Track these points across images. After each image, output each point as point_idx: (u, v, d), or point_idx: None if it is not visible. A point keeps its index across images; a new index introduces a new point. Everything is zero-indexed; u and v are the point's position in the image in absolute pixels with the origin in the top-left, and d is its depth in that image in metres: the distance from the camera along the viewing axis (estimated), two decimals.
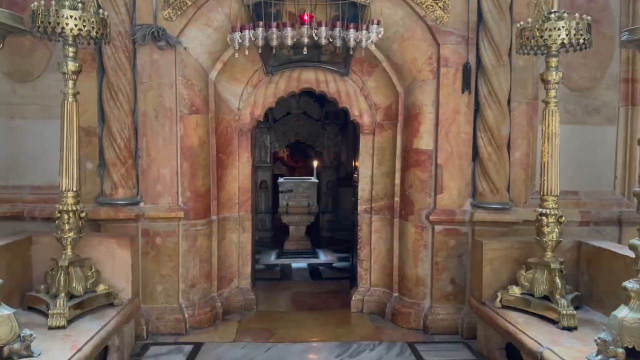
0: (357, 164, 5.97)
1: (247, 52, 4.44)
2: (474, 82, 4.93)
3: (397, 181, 5.40)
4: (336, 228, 10.23)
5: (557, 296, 3.78)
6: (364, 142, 5.67)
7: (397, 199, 5.42)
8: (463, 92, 4.97)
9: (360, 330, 5.20)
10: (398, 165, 5.39)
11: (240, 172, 5.61)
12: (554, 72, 3.84)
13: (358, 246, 5.77)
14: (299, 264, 8.06)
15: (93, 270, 4.00)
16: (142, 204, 4.94)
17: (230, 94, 5.46)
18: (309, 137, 10.42)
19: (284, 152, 13.30)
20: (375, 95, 5.54)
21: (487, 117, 4.83)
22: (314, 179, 8.92)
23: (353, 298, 5.74)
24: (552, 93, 3.88)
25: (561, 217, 3.90)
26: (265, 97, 5.55)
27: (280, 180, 8.92)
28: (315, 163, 9.41)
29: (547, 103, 3.90)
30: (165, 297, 5.00)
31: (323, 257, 8.48)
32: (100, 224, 4.80)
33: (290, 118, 10.33)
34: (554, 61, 3.84)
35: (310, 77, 5.55)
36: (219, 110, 5.38)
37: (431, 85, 5.08)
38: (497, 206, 4.92)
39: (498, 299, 4.13)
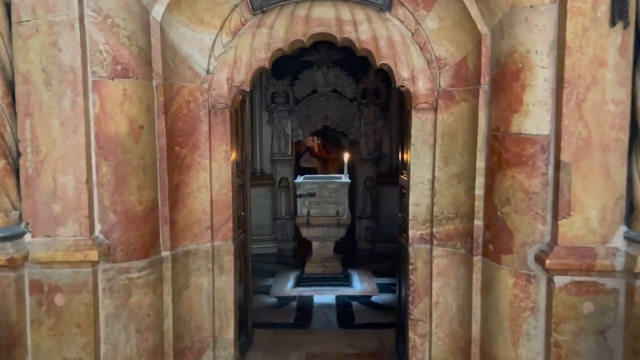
0: (406, 157, 3.70)
1: None
2: (635, 6, 2.58)
3: (479, 191, 3.10)
4: (376, 238, 8.02)
5: None
6: (419, 124, 3.38)
7: (478, 222, 3.11)
8: (614, 24, 2.62)
9: None
10: (481, 164, 3.09)
11: (213, 177, 3.44)
12: None
13: (410, 297, 3.50)
14: (324, 295, 5.84)
15: None
16: (27, 237, 2.83)
17: (193, 45, 3.28)
18: (341, 121, 8.10)
19: (314, 141, 11.09)
20: (438, 43, 3.24)
21: None
22: (344, 179, 6.61)
23: None
24: None
25: None
26: (252, 50, 3.36)
27: (299, 180, 6.63)
28: (346, 156, 7.08)
29: None
30: None
31: (358, 286, 6.22)
32: None
33: (316, 97, 8.03)
34: None
35: (326, 15, 3.33)
36: (172, 74, 3.20)
37: (547, 16, 2.73)
38: None
39: None
